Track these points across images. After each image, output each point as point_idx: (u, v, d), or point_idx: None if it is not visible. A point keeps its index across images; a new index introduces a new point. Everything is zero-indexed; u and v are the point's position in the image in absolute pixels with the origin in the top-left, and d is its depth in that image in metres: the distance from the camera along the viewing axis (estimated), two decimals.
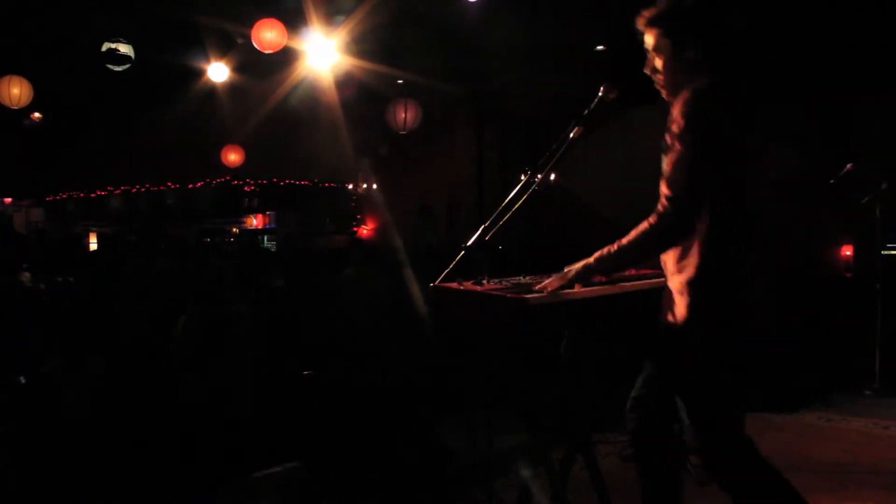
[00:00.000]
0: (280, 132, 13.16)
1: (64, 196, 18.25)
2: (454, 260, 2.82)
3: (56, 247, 10.80)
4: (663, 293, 2.62)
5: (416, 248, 8.89)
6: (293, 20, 8.65)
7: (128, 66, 9.16)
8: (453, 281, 2.76)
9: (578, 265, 2.61)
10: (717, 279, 2.48)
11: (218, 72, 10.60)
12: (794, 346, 5.96)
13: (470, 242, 2.83)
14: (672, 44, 2.59)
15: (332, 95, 11.22)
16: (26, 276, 6.49)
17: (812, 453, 4.39)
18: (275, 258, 9.91)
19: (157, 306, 5.51)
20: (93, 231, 16.44)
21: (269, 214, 14.27)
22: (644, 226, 2.47)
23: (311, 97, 11.67)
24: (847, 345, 6.39)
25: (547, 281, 2.62)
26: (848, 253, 7.46)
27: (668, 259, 2.58)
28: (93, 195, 17.34)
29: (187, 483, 3.62)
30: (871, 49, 7.23)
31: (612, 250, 2.53)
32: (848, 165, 4.16)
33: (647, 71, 2.71)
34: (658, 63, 2.65)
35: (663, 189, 2.44)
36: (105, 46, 9.03)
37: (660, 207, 2.44)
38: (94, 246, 14.92)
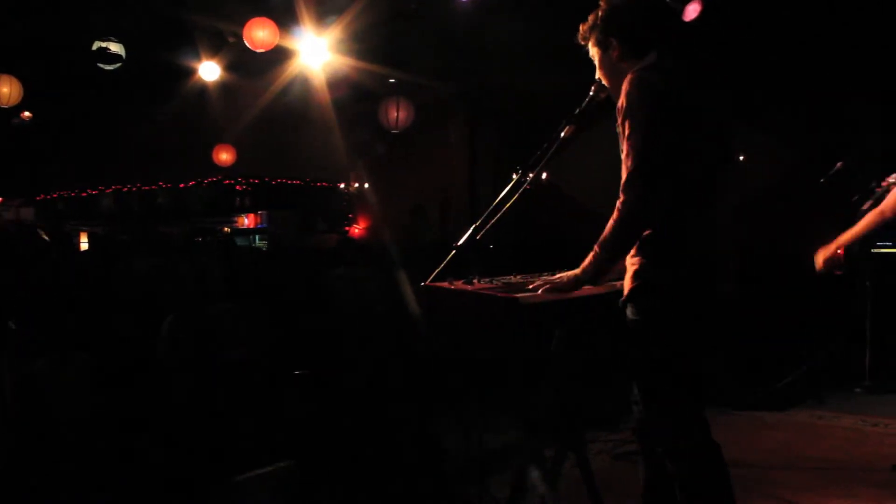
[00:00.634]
0: (272, 131, 13.15)
1: (55, 195, 18.19)
2: (445, 259, 2.82)
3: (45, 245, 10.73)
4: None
5: (416, 247, 8.87)
6: (285, 19, 8.63)
7: (119, 64, 9.13)
8: (444, 280, 2.76)
9: (570, 275, 2.58)
10: (660, 256, 2.49)
11: (209, 71, 10.56)
12: (784, 345, 5.98)
13: (461, 242, 2.84)
14: (599, 49, 2.71)
15: (324, 94, 11.20)
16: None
17: (804, 451, 4.41)
18: (263, 257, 9.90)
19: (145, 305, 5.48)
20: (83, 230, 16.40)
21: (260, 214, 14.26)
22: (614, 214, 2.46)
23: (303, 96, 11.65)
24: (838, 343, 6.41)
25: (538, 283, 2.62)
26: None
27: None
28: (84, 194, 17.30)
29: (178, 483, 3.61)
30: (863, 49, 7.25)
31: (596, 253, 2.52)
32: (838, 164, 4.18)
33: (598, 77, 2.77)
34: (598, 72, 2.75)
35: (625, 169, 2.45)
36: (96, 45, 9.00)
37: (623, 189, 2.44)
38: (84, 246, 14.86)
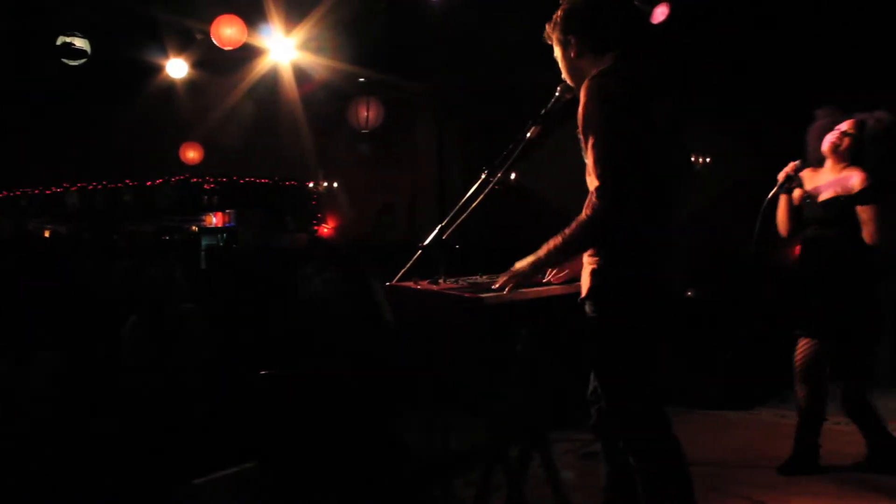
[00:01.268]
0: (240, 130, 13.04)
1: (17, 192, 17.88)
2: (411, 259, 2.82)
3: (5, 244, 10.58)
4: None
5: (384, 246, 8.86)
6: (253, 17, 8.58)
7: (84, 60, 8.99)
8: (410, 280, 2.75)
9: (528, 260, 2.60)
10: (618, 256, 2.51)
11: (177, 68, 10.46)
12: (749, 343, 6.03)
13: (427, 241, 2.83)
14: (560, 48, 2.71)
15: (292, 93, 11.15)
16: None
17: (768, 450, 4.45)
18: (230, 256, 9.82)
19: (108, 304, 5.42)
20: (47, 228, 16.15)
21: (228, 213, 14.15)
22: (582, 217, 2.49)
23: (271, 95, 11.59)
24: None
25: (502, 281, 2.63)
26: None
27: None
28: (48, 192, 17.02)
29: (141, 484, 3.57)
30: (830, 53, 7.35)
31: (557, 244, 2.54)
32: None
33: (564, 77, 2.78)
34: (562, 70, 2.76)
35: (592, 180, 2.46)
36: (60, 40, 8.85)
37: (593, 199, 2.45)
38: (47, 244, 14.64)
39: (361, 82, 11.16)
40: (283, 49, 9.45)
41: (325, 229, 14.23)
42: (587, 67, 2.63)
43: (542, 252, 2.58)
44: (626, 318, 2.51)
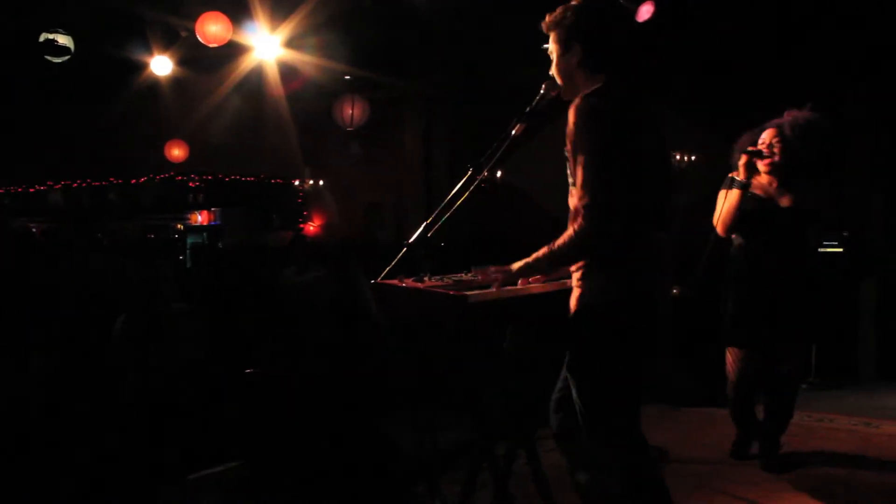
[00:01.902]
0: (225, 127, 12.99)
1: (1, 191, 17.74)
2: (397, 257, 2.81)
3: None
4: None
5: (370, 245, 8.85)
6: (238, 14, 8.55)
7: (67, 57, 8.93)
8: (395, 278, 2.75)
9: (520, 264, 2.63)
10: (605, 282, 2.52)
11: (161, 65, 10.41)
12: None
13: (412, 239, 2.83)
14: (560, 48, 2.68)
15: (278, 91, 11.13)
16: None
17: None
18: (216, 255, 9.79)
19: (95, 304, 5.39)
20: (31, 227, 16.01)
21: (214, 211, 14.09)
22: (569, 233, 2.50)
23: (257, 92, 11.56)
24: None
25: (492, 273, 2.65)
26: None
27: None
28: (31, 189, 16.89)
29: (128, 483, 3.56)
30: (820, 51, 7.39)
31: (546, 254, 2.56)
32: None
33: (551, 73, 2.77)
34: (553, 68, 2.75)
35: (579, 199, 2.47)
36: (43, 37, 8.79)
37: (580, 218, 2.47)
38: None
39: (348, 80, 11.14)
40: (269, 46, 9.43)
41: (312, 227, 14.19)
42: (580, 77, 2.63)
43: (531, 259, 2.60)
44: (611, 341, 2.52)
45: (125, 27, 9.53)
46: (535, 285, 2.79)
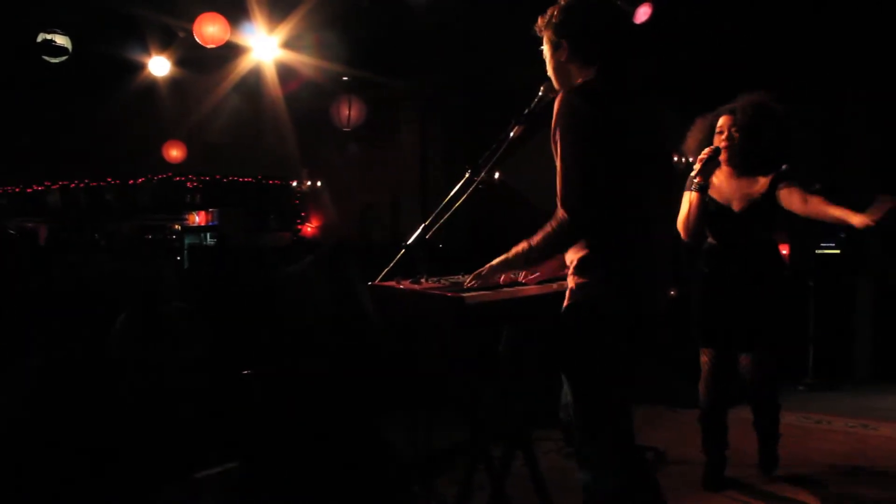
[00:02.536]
0: (223, 128, 12.99)
1: None
2: (394, 259, 2.82)
3: None
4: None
5: (367, 246, 8.85)
6: (236, 15, 8.55)
7: (65, 57, 8.92)
8: (392, 280, 2.76)
9: (497, 260, 2.65)
10: (599, 280, 2.52)
11: (159, 66, 10.41)
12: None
13: (410, 241, 2.83)
14: (551, 48, 2.70)
15: (275, 91, 11.13)
16: None
17: (748, 447, 4.47)
18: (214, 255, 9.78)
19: (95, 304, 5.39)
20: (28, 227, 15.99)
21: (211, 211, 14.08)
22: (547, 229, 2.52)
23: (254, 93, 11.56)
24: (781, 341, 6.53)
25: (470, 281, 2.67)
26: (784, 252, 7.66)
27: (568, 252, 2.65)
28: (28, 190, 16.87)
29: (127, 484, 3.56)
30: (797, 56, 7.41)
31: (524, 249, 2.58)
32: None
33: (549, 74, 2.79)
34: (548, 68, 2.76)
35: (558, 192, 2.49)
36: (41, 37, 8.78)
37: (558, 212, 2.49)
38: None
39: (345, 81, 11.14)
40: (266, 47, 9.44)
41: (309, 228, 14.19)
42: (573, 73, 2.65)
43: (510, 254, 2.62)
44: (600, 339, 2.53)
45: (123, 28, 9.52)
46: (533, 287, 2.80)
